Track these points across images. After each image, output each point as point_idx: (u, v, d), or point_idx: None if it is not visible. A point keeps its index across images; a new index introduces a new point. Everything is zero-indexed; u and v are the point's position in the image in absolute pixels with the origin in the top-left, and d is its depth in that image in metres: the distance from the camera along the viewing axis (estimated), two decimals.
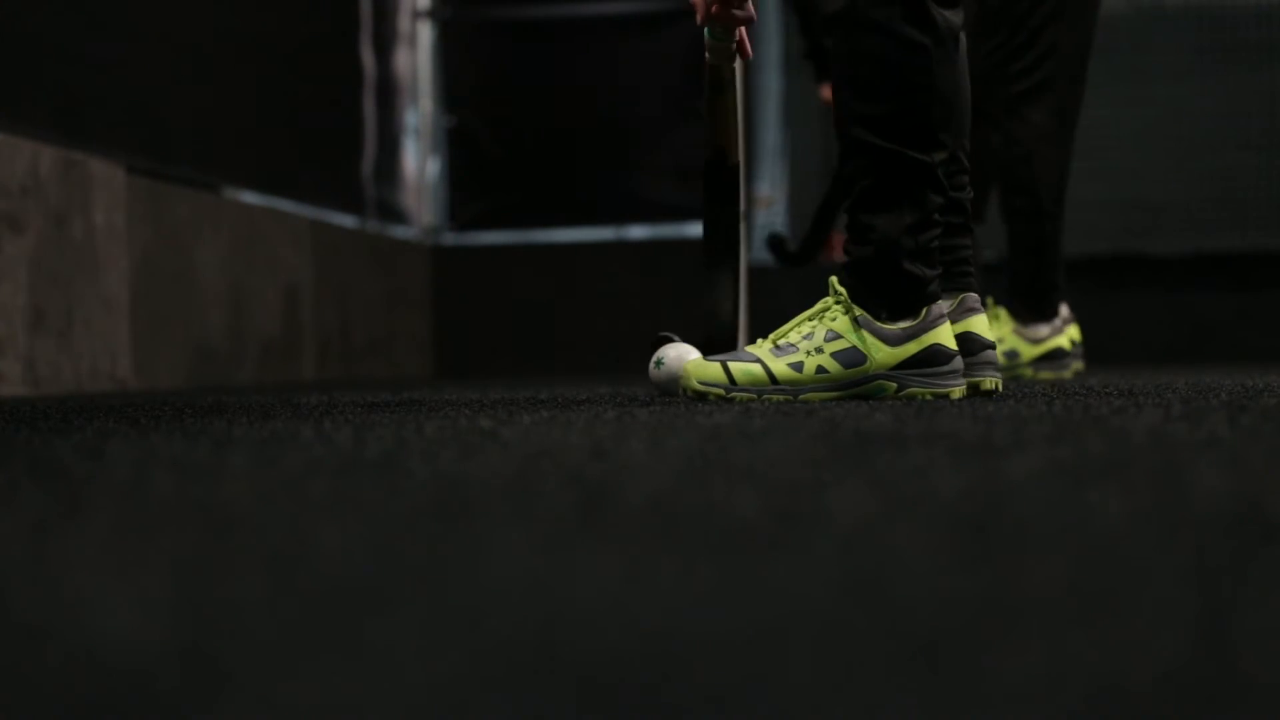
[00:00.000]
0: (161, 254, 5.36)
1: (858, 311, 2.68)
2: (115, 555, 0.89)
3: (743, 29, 2.94)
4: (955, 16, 2.66)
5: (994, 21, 4.59)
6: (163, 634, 0.64)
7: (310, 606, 0.70)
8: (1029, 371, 4.74)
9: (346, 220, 7.37)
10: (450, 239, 8.26)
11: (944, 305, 2.73)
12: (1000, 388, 2.95)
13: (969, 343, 2.93)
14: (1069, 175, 4.73)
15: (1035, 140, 4.66)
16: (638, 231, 8.16)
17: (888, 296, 2.67)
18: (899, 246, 2.65)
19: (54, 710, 0.52)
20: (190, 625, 0.66)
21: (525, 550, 0.87)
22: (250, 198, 6.33)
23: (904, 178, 2.64)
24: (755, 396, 2.66)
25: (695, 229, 8.05)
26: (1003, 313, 4.79)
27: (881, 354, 2.67)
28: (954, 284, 2.99)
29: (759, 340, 2.74)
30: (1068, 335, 4.81)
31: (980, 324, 2.98)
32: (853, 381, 2.68)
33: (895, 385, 2.68)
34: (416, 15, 8.20)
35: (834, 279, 2.72)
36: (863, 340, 2.67)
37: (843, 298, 2.69)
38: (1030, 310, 4.75)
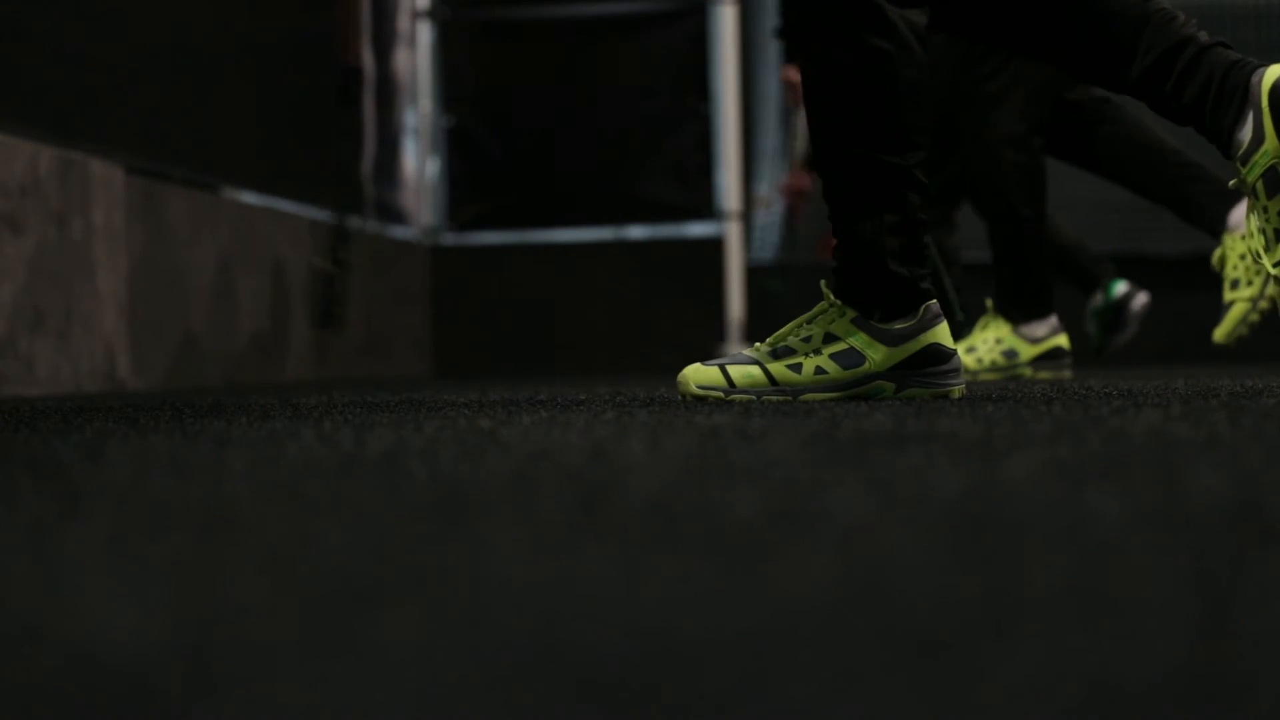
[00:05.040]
0: (160, 254, 5.36)
1: (854, 313, 2.68)
2: (114, 555, 0.89)
3: None
4: (916, 16, 2.67)
5: None
6: (162, 634, 0.64)
7: (310, 606, 0.70)
8: (1028, 371, 4.74)
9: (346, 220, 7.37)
10: (449, 239, 8.26)
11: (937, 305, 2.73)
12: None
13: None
14: (1044, 176, 4.72)
15: (1001, 144, 4.67)
16: (637, 231, 8.16)
17: (879, 298, 2.68)
18: (883, 249, 2.66)
19: (53, 710, 0.52)
20: (189, 625, 0.66)
21: (525, 550, 0.86)
22: (249, 198, 6.33)
23: (881, 182, 2.65)
24: (754, 399, 2.66)
25: (695, 229, 8.08)
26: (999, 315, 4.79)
27: (880, 355, 2.67)
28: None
29: (757, 344, 2.74)
30: (1065, 336, 4.81)
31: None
32: (852, 382, 2.68)
33: (894, 386, 2.68)
34: (416, 15, 8.20)
35: (824, 284, 2.72)
36: (861, 341, 2.67)
37: (836, 301, 2.70)
38: (1022, 312, 4.75)
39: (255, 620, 0.67)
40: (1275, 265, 2.52)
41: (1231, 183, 2.58)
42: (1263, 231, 2.52)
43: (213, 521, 1.05)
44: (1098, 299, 5.15)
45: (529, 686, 0.54)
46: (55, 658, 0.60)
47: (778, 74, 7.90)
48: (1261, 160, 2.50)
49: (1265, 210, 2.51)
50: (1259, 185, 2.50)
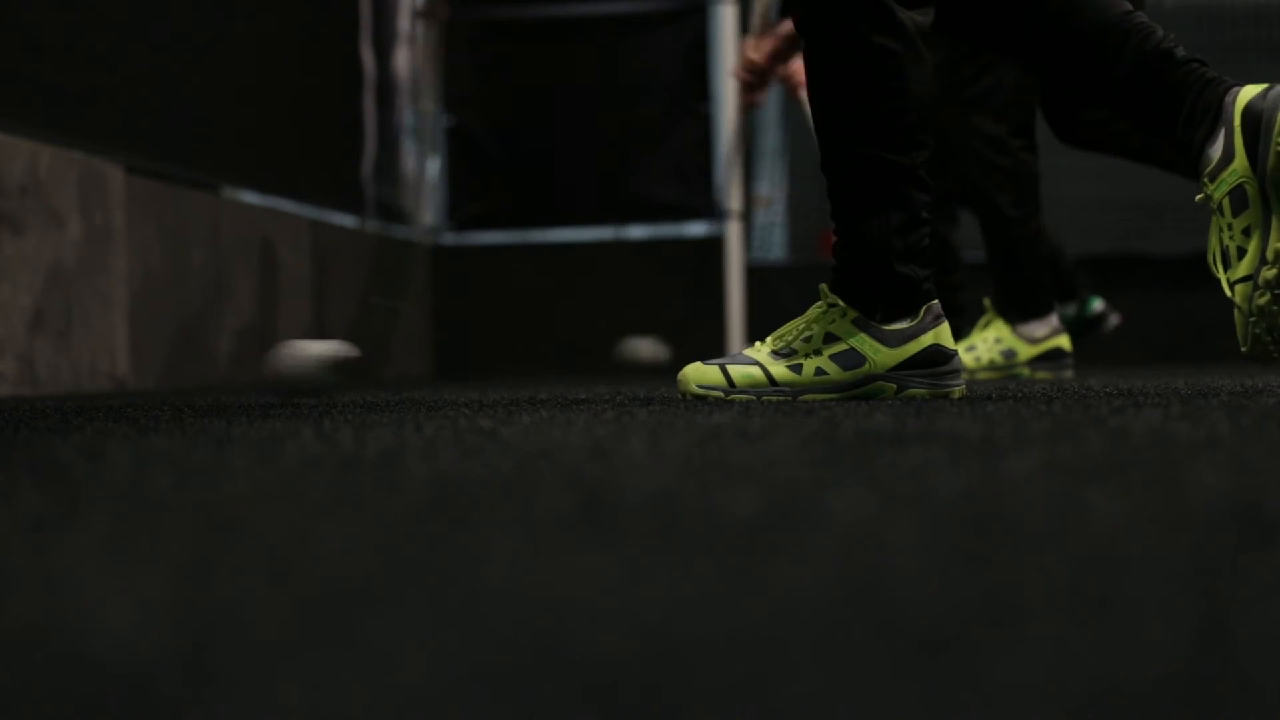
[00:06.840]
0: (161, 254, 5.36)
1: (855, 313, 2.68)
2: (115, 555, 0.89)
3: None
4: (922, 15, 2.66)
5: None
6: (162, 634, 0.64)
7: (310, 606, 0.70)
8: (1027, 371, 4.74)
9: (346, 220, 7.37)
10: (450, 239, 8.26)
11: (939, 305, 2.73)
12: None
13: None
14: (1030, 177, 4.72)
15: (982, 146, 4.68)
16: (637, 231, 8.16)
17: (882, 299, 2.68)
18: (889, 249, 2.65)
19: (53, 710, 0.52)
20: (189, 625, 0.66)
21: (525, 550, 0.86)
22: (250, 198, 6.33)
23: (886, 181, 2.64)
24: (754, 399, 2.66)
25: (695, 229, 8.07)
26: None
27: (881, 355, 2.67)
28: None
29: (757, 343, 2.74)
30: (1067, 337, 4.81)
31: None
32: (852, 383, 2.68)
33: (895, 386, 2.68)
34: (416, 15, 8.20)
35: (824, 286, 2.72)
36: (861, 342, 2.67)
37: (836, 302, 2.69)
38: (1018, 312, 4.75)
39: (255, 620, 0.67)
40: (1233, 283, 2.55)
41: (1198, 198, 2.60)
42: (1225, 249, 2.55)
43: (213, 521, 1.05)
44: (1070, 308, 5.16)
45: (529, 686, 0.54)
46: (55, 657, 0.60)
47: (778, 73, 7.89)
48: (1229, 178, 2.52)
49: (1229, 228, 2.53)
50: (1225, 202, 2.52)
